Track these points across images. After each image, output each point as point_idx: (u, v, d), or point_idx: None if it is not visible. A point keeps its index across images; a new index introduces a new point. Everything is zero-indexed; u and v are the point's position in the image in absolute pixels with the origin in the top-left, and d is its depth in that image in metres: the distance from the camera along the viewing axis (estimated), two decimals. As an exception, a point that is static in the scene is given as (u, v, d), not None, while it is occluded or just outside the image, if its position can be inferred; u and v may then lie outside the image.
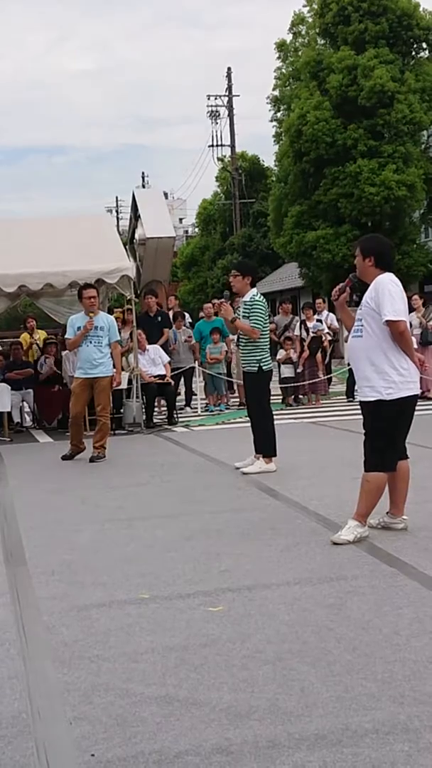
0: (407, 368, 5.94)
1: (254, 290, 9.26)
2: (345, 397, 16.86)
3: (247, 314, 9.06)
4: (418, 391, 6.08)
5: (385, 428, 5.96)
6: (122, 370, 14.59)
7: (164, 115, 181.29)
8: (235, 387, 16.89)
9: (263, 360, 9.10)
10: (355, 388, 6.31)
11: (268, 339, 9.34)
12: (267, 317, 9.30)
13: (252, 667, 3.89)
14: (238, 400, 16.49)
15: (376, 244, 6.22)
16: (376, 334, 5.94)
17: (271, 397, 9.74)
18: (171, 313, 17.17)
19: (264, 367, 9.10)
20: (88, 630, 4.51)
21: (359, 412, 6.22)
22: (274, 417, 9.44)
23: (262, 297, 9.33)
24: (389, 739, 3.17)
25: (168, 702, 3.59)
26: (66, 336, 11.66)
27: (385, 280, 5.98)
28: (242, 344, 9.20)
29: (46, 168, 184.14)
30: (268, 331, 9.39)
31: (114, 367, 11.19)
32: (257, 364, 9.06)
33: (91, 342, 10.91)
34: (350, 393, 16.13)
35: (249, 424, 9.53)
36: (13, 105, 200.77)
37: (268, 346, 9.39)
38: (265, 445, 9.12)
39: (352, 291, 6.44)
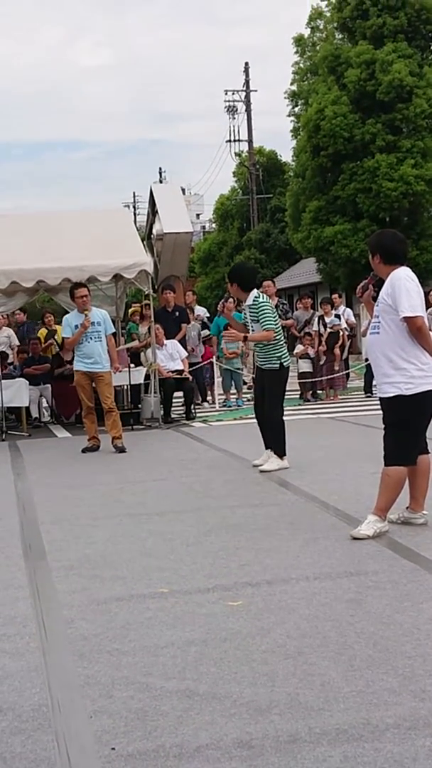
0: (426, 363, 5.91)
1: (255, 292, 9.11)
2: (363, 392, 16.80)
3: (255, 318, 8.97)
4: (438, 386, 6.03)
5: (405, 423, 5.94)
6: (140, 365, 14.65)
7: (181, 111, 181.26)
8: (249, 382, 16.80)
9: (283, 356, 9.01)
10: (374, 383, 6.27)
11: (282, 335, 9.24)
12: (275, 314, 9.20)
13: (272, 662, 3.89)
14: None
15: (377, 241, 6.18)
16: (393, 330, 5.91)
17: (289, 392, 9.67)
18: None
19: (285, 363, 9.04)
20: (108, 624, 4.52)
21: (377, 407, 6.20)
22: (293, 412, 9.38)
23: (264, 296, 9.24)
24: (411, 734, 3.16)
25: (188, 696, 3.58)
26: (63, 335, 11.88)
27: (400, 275, 5.95)
28: (261, 346, 9.07)
29: (63, 163, 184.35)
30: (280, 328, 9.26)
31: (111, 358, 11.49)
32: (278, 362, 8.97)
33: (92, 338, 11.25)
34: (368, 388, 16.07)
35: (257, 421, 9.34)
36: (31, 100, 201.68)
37: (285, 342, 9.30)
38: (280, 443, 9.04)
39: (375, 287, 6.40)
